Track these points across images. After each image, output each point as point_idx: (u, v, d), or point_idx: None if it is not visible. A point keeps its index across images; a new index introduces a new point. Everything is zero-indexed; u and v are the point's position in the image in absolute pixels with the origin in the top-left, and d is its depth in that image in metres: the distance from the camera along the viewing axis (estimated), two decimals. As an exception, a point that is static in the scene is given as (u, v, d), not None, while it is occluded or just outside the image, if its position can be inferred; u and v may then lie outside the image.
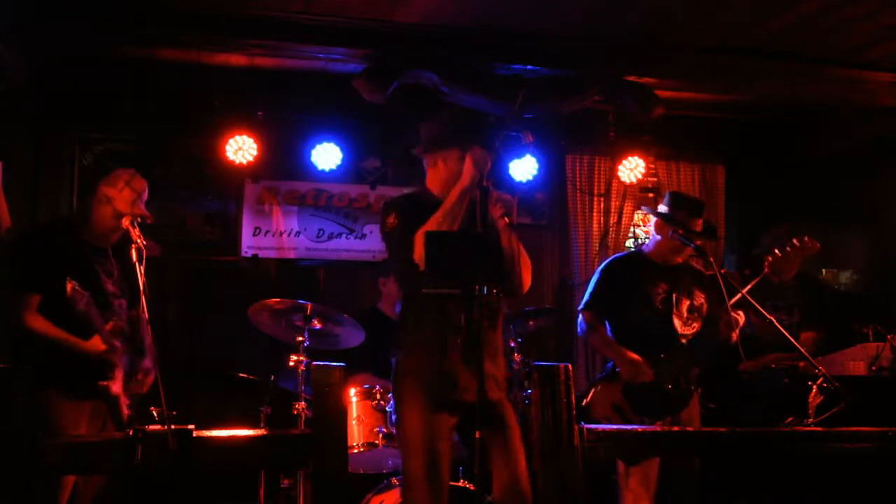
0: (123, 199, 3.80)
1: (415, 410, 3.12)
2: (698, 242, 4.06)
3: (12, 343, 3.75)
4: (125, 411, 3.72)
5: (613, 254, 6.06)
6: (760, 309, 3.81)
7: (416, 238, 3.07)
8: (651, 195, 6.71)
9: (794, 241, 4.12)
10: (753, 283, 4.06)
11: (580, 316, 4.30)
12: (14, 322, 3.68)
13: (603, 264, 4.36)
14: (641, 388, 3.98)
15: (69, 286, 3.37)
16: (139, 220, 3.70)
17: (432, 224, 3.07)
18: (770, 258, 4.11)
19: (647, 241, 4.39)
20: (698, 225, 4.18)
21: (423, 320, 3.19)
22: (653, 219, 4.30)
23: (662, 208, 4.25)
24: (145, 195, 3.92)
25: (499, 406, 3.18)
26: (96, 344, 3.60)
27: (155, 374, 3.00)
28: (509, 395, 4.23)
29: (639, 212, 6.65)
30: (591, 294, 4.26)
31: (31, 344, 3.66)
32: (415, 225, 3.11)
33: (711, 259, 3.97)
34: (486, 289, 2.78)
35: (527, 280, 3.26)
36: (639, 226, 6.78)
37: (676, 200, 4.25)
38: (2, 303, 3.77)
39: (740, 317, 4.01)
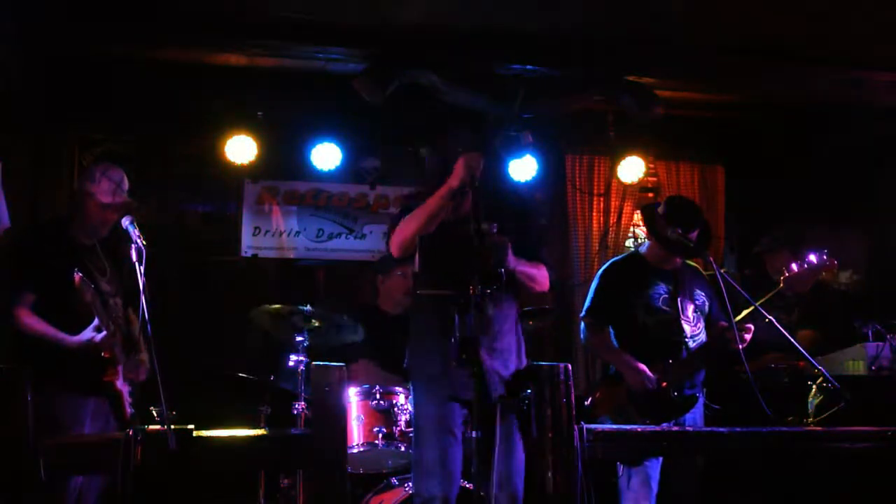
0: (103, 190, 3.85)
1: (428, 403, 3.17)
2: (694, 247, 4.05)
3: (15, 342, 3.76)
4: (127, 409, 3.73)
5: (613, 254, 6.09)
6: (769, 317, 3.79)
7: (396, 227, 3.18)
8: (651, 195, 6.70)
9: (813, 258, 4.08)
10: (767, 297, 4.03)
11: (582, 323, 4.27)
12: (7, 321, 3.70)
13: (601, 269, 4.34)
14: (646, 392, 3.97)
15: (77, 277, 3.39)
16: (130, 211, 3.71)
17: (412, 217, 3.12)
18: (788, 274, 4.09)
19: (643, 241, 4.37)
20: (695, 237, 4.12)
21: (424, 320, 3.22)
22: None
23: (659, 217, 4.20)
24: (125, 184, 3.94)
25: (501, 403, 3.19)
26: (83, 339, 3.59)
27: (152, 369, 3.01)
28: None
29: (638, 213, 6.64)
30: (592, 300, 4.24)
31: (33, 343, 3.67)
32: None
33: (712, 259, 3.97)
34: (480, 289, 2.80)
35: (540, 286, 3.28)
36: (638, 225, 6.77)
37: (673, 213, 4.15)
38: (3, 303, 3.78)
39: (749, 332, 3.99)
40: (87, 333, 3.60)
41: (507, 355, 3.30)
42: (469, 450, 3.35)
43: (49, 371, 3.57)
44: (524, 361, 3.39)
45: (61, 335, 3.64)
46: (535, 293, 3.40)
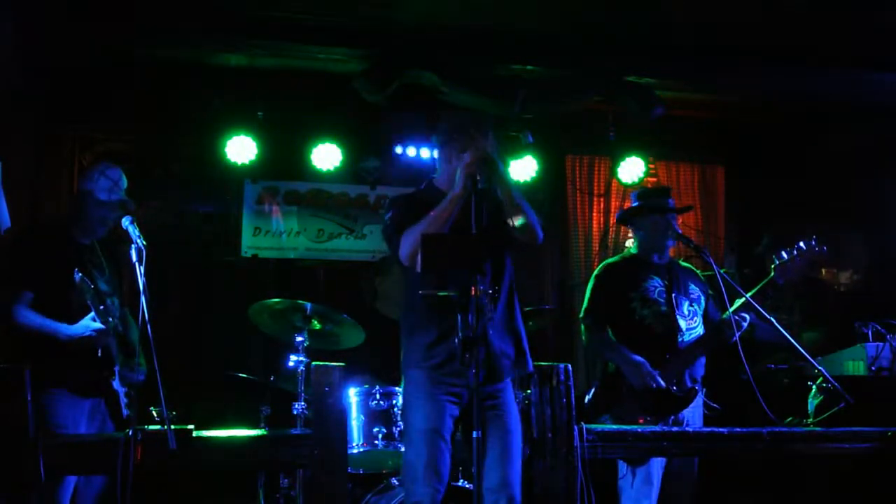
0: (100, 188, 3.86)
1: (419, 405, 3.15)
2: (681, 219, 4.15)
3: (13, 343, 3.76)
4: (123, 411, 3.72)
5: (613, 254, 6.09)
6: (762, 311, 3.81)
7: (401, 237, 3.14)
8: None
9: (802, 244, 4.10)
10: (759, 286, 4.05)
11: (581, 325, 4.29)
12: (8, 320, 3.70)
13: (596, 270, 4.37)
14: (645, 387, 3.98)
15: (77, 277, 3.40)
16: (127, 209, 3.76)
17: (420, 226, 3.10)
18: (778, 262, 4.10)
19: (634, 243, 4.42)
20: (674, 204, 4.35)
21: (423, 319, 3.21)
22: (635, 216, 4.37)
23: (634, 204, 4.36)
24: (123, 182, 3.96)
25: (499, 395, 3.17)
26: (80, 330, 3.60)
27: (152, 369, 3.01)
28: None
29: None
30: (589, 300, 4.27)
31: (31, 342, 3.67)
32: (407, 223, 3.17)
33: (711, 259, 3.98)
34: (482, 289, 2.80)
35: (529, 220, 3.20)
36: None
37: (641, 193, 4.42)
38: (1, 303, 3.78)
39: (745, 320, 4.02)
40: (84, 324, 3.60)
41: (515, 334, 3.26)
42: (458, 452, 3.35)
43: (47, 371, 3.57)
44: (525, 342, 3.33)
45: (58, 326, 3.64)
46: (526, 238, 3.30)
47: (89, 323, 3.59)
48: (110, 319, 3.65)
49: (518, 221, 3.18)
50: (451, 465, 3.19)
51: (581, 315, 4.29)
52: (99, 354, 3.66)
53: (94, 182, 3.88)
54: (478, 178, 3.05)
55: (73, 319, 3.64)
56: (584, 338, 4.32)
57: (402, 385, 3.29)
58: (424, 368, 3.18)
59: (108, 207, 3.86)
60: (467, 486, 4.05)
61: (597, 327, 4.21)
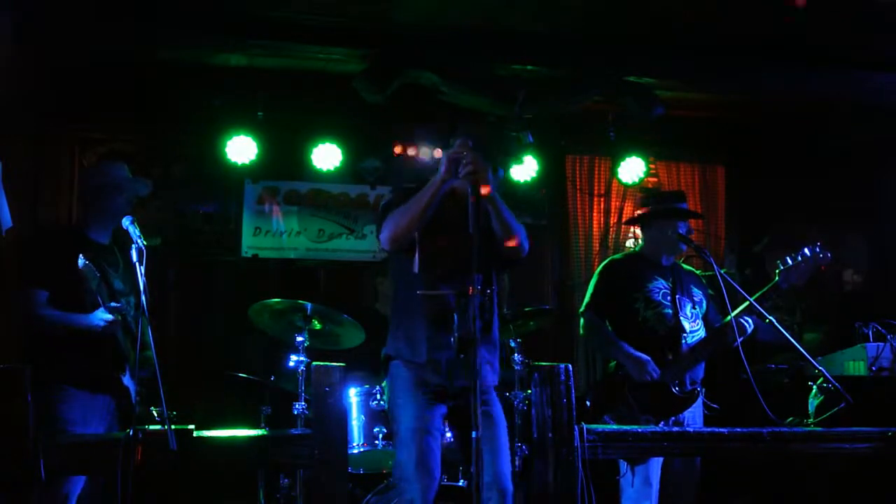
0: (115, 176, 3.98)
1: (407, 403, 3.16)
2: (693, 223, 4.15)
3: (26, 342, 3.78)
4: (136, 407, 3.74)
5: (613, 254, 6.09)
6: (764, 313, 3.81)
7: (386, 221, 3.22)
8: (651, 196, 6.70)
9: (807, 250, 4.10)
10: (763, 290, 4.05)
11: (581, 318, 4.30)
12: (25, 319, 3.72)
13: (600, 266, 4.38)
14: (646, 387, 3.98)
15: (82, 262, 3.42)
16: (141, 191, 3.95)
17: (404, 211, 3.17)
18: (783, 267, 4.11)
19: (640, 242, 4.43)
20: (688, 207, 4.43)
21: (416, 318, 3.22)
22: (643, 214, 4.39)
23: (646, 208, 4.37)
24: (126, 171, 4.07)
25: (487, 395, 3.19)
26: (100, 319, 3.62)
27: (153, 368, 3.03)
28: (505, 394, 4.27)
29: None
30: (591, 295, 4.27)
31: (45, 341, 3.70)
32: (396, 207, 3.24)
33: (711, 259, 3.98)
34: (479, 288, 2.81)
35: (519, 242, 3.26)
36: (639, 226, 6.77)
37: (657, 195, 4.51)
38: (6, 303, 3.79)
39: (748, 323, 4.02)
40: (98, 314, 3.62)
41: (496, 345, 3.31)
42: (460, 449, 3.36)
43: (59, 369, 3.60)
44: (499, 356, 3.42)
45: (77, 316, 3.68)
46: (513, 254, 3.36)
47: (102, 314, 3.62)
48: (120, 315, 3.67)
49: (504, 233, 3.21)
50: (449, 465, 3.20)
51: (581, 309, 4.29)
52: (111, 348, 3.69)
53: (104, 175, 3.99)
54: (462, 163, 3.06)
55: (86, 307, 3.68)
56: (582, 331, 4.32)
57: (386, 379, 3.30)
58: (411, 364, 3.20)
59: (127, 188, 3.98)
60: (461, 483, 4.05)
61: (597, 322, 4.22)
